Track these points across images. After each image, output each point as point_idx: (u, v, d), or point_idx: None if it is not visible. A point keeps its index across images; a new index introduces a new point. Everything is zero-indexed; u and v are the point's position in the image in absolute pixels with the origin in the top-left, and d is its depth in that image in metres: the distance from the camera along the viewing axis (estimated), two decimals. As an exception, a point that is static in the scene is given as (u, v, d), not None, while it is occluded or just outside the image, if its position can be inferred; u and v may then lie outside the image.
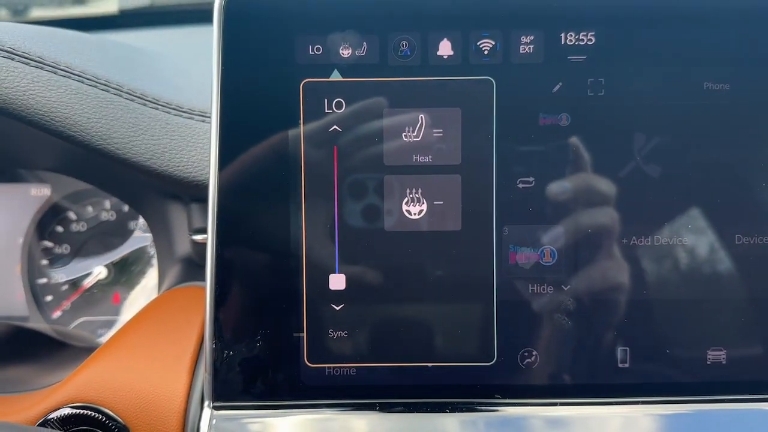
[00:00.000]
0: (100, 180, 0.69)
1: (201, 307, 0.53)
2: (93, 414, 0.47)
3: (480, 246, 0.46)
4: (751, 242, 0.46)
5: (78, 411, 0.47)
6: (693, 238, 0.46)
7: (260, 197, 0.45)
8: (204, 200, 0.56)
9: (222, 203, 0.45)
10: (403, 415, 0.45)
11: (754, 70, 0.45)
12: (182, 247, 0.61)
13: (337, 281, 0.46)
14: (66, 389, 0.49)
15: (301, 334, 0.46)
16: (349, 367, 0.46)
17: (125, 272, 0.75)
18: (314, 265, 0.46)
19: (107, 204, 0.76)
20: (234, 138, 0.45)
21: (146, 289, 0.75)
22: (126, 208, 0.75)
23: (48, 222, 0.76)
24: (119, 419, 0.47)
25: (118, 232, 0.76)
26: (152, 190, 0.61)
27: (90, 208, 0.76)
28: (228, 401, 0.45)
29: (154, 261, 0.74)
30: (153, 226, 0.68)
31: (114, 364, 0.49)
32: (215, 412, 0.45)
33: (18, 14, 1.13)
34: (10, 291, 0.76)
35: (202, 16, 0.98)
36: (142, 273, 0.75)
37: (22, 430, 0.41)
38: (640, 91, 0.45)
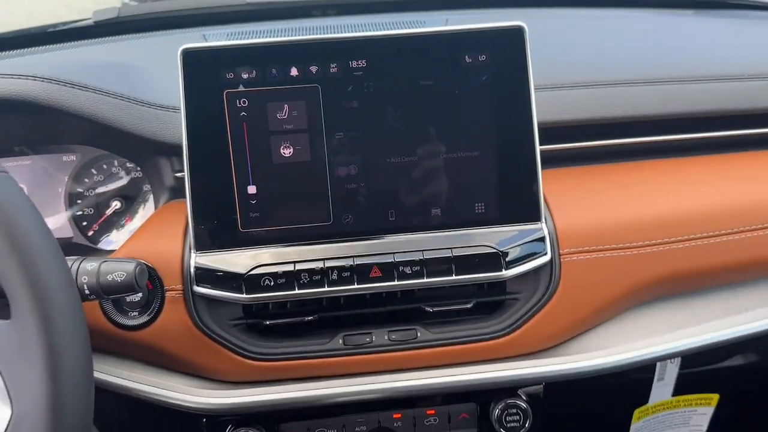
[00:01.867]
0: (113, 148, 1.14)
1: (185, 210, 1.00)
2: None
3: (320, 167, 0.93)
4: (447, 157, 0.95)
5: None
6: (420, 155, 0.94)
7: (210, 150, 0.92)
8: (180, 154, 1.02)
9: (191, 154, 0.92)
10: (290, 248, 0.94)
11: (442, 72, 0.94)
12: (168, 181, 1.07)
13: (252, 189, 0.94)
14: (121, 252, 0.96)
15: (235, 216, 0.94)
16: (261, 230, 0.94)
17: (131, 202, 1.21)
18: (240, 181, 0.93)
19: (116, 163, 1.14)
20: (194, 123, 0.91)
21: (146, 213, 1.21)
22: (129, 164, 1.20)
23: (79, 177, 1.15)
24: (151, 265, 0.94)
25: (125, 179, 1.22)
26: (148, 151, 1.07)
27: (105, 166, 1.19)
28: (204, 250, 0.93)
29: (149, 195, 1.21)
30: (148, 172, 1.13)
31: (143, 241, 0.97)
32: (197, 255, 0.93)
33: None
34: (60, 221, 1.17)
35: (161, 24, 1.38)
36: (142, 202, 1.21)
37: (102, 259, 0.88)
38: (390, 87, 0.93)
